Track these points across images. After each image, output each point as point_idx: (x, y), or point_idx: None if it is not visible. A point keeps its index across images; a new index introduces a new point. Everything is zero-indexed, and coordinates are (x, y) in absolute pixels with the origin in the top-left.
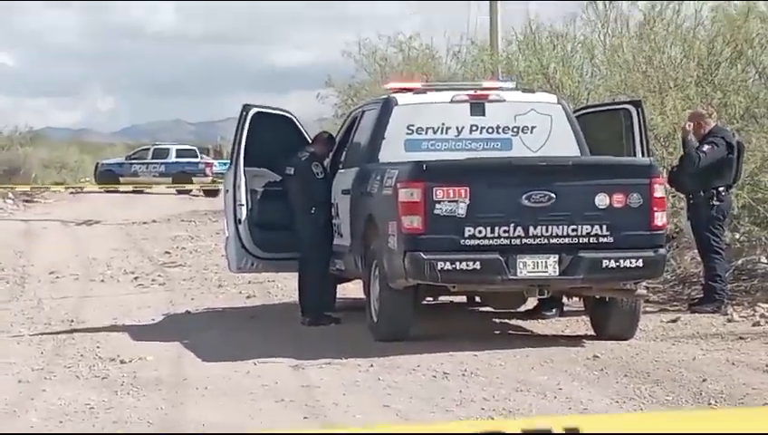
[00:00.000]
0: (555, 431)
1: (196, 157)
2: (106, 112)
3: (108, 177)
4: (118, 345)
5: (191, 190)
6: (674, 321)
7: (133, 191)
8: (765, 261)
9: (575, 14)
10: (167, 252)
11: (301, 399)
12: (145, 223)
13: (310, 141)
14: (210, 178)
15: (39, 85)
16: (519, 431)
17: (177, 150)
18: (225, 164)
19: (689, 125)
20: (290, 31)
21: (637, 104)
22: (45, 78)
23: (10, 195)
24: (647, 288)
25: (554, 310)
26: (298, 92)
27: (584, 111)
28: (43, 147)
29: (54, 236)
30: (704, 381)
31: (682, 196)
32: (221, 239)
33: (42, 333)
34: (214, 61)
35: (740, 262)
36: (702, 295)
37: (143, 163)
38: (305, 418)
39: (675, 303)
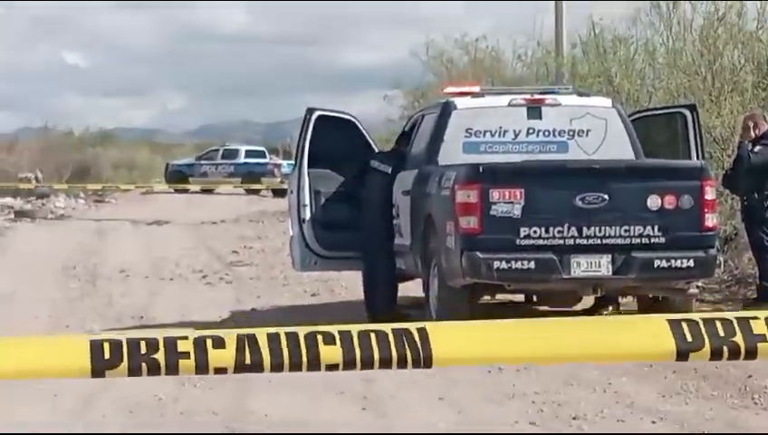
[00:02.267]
0: None
1: (265, 157)
2: (176, 113)
3: (177, 177)
4: None
5: (260, 191)
6: None
7: (202, 191)
8: None
9: (636, 16)
10: (234, 251)
11: (360, 392)
12: (214, 223)
13: (372, 143)
14: (279, 178)
15: (110, 86)
16: None
17: (247, 151)
18: (293, 165)
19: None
20: (359, 31)
21: (692, 108)
22: (117, 79)
23: (81, 195)
24: (702, 288)
25: (610, 308)
26: (365, 93)
27: (641, 115)
28: (114, 147)
29: (125, 236)
30: (749, 377)
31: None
32: (287, 239)
33: (112, 329)
34: (283, 61)
35: None
36: (756, 295)
37: (213, 164)
38: (363, 409)
39: (729, 302)
